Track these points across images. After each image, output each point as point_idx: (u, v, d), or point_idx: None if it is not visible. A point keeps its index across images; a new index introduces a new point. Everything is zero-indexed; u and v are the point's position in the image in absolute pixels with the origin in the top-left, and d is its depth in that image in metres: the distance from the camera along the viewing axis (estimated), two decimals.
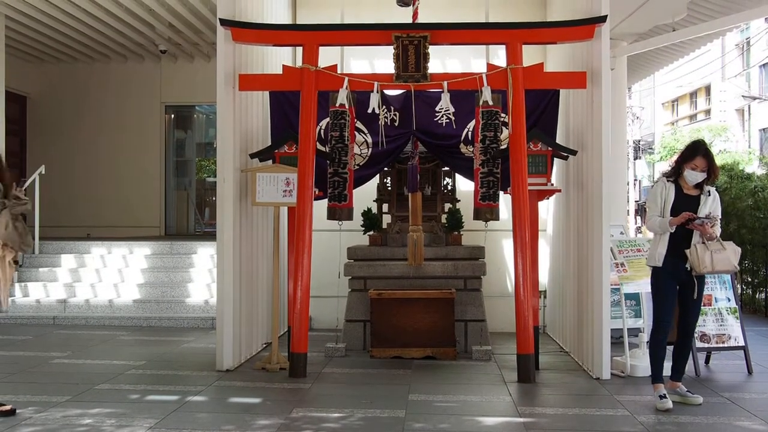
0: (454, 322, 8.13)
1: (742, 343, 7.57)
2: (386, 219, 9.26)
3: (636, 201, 35.03)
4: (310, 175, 7.28)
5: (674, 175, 6.16)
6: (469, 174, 8.09)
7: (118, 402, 6.03)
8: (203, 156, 17.06)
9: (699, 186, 6.10)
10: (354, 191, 7.63)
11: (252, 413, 5.80)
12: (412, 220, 8.29)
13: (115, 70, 14.48)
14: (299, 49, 7.77)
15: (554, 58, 9.40)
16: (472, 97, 7.39)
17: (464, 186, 9.19)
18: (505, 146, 7.46)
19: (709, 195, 6.09)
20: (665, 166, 26.94)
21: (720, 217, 6.11)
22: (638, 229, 28.10)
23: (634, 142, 36.18)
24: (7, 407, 5.69)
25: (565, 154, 7.83)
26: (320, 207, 7.69)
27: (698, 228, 5.93)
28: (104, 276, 11.20)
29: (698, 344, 7.43)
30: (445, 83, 7.28)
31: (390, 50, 7.30)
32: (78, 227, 13.47)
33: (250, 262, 7.97)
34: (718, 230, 6.02)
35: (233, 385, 6.76)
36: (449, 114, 7.48)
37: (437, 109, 8.05)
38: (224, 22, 7.37)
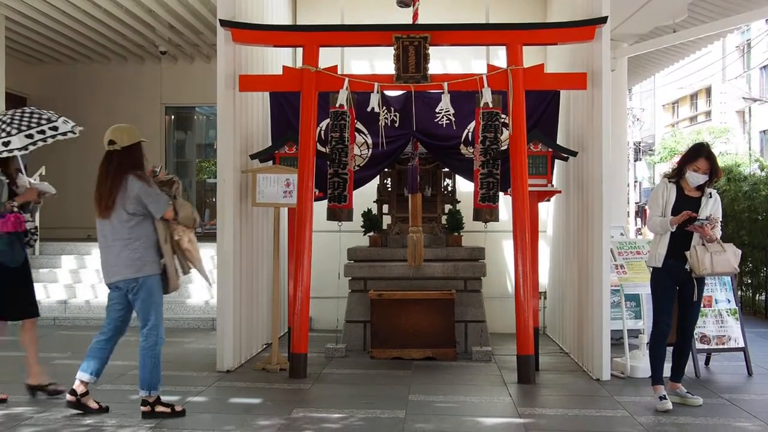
0: (454, 323, 8.14)
1: (742, 344, 7.57)
2: (386, 220, 9.27)
3: (636, 202, 35.07)
4: (311, 176, 7.28)
5: (676, 176, 6.17)
6: (469, 175, 8.09)
7: (119, 402, 6.03)
8: (203, 157, 17.05)
9: (700, 188, 6.10)
10: (354, 192, 7.63)
11: (252, 414, 5.80)
12: (412, 221, 8.29)
13: (115, 71, 14.48)
14: (299, 50, 7.78)
15: (555, 59, 9.41)
16: (473, 98, 7.39)
17: (464, 187, 9.20)
18: (505, 147, 7.47)
19: (710, 197, 6.09)
20: (666, 167, 26.97)
21: (720, 219, 6.11)
22: (638, 231, 28.13)
23: (634, 144, 36.19)
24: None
25: (566, 156, 7.83)
26: (320, 208, 7.69)
27: (698, 230, 5.93)
28: None
29: (698, 345, 7.44)
30: (445, 84, 7.29)
31: (390, 51, 7.31)
32: (78, 228, 13.44)
33: (251, 263, 7.98)
34: (718, 232, 6.03)
35: (233, 386, 6.76)
36: (449, 115, 7.49)
37: (437, 110, 8.06)
38: (224, 23, 7.37)
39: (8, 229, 5.85)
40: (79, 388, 5.66)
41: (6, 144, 5.82)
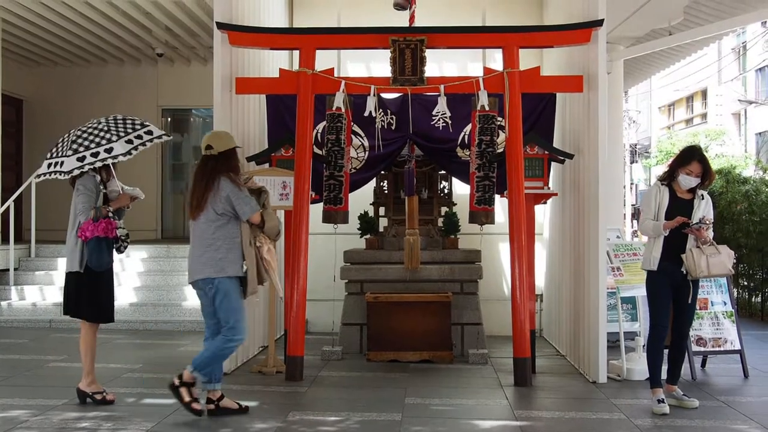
0: (451, 326, 8.13)
1: (738, 346, 7.58)
2: (383, 222, 9.26)
3: (632, 205, 35.09)
4: (307, 179, 7.27)
5: (668, 179, 6.18)
6: (465, 177, 8.09)
7: (114, 405, 6.02)
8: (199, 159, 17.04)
9: (692, 190, 6.12)
10: (351, 194, 7.63)
11: (248, 417, 5.79)
12: (409, 223, 8.29)
13: (112, 73, 14.44)
14: (296, 53, 7.78)
15: (551, 61, 9.41)
16: (469, 100, 7.40)
17: (461, 189, 9.20)
18: (501, 150, 7.47)
19: (702, 199, 6.11)
20: (662, 170, 26.99)
21: (712, 220, 6.13)
22: (634, 233, 28.12)
23: (630, 146, 36.24)
24: None
25: (562, 158, 7.84)
26: (317, 210, 7.69)
27: (694, 232, 5.95)
28: None
29: (694, 348, 7.44)
30: (441, 87, 7.29)
31: (387, 54, 7.31)
32: None
33: None
34: (710, 234, 6.05)
35: (230, 389, 6.72)
36: (446, 118, 7.48)
37: (434, 112, 8.03)
38: (221, 26, 7.37)
39: (98, 234, 5.89)
40: (215, 395, 5.81)
41: (109, 150, 5.92)
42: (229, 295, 5.63)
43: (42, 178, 6.22)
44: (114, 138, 5.98)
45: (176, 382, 5.63)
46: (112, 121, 6.17)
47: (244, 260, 5.69)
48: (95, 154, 5.91)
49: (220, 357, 5.73)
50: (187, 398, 5.62)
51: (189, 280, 5.80)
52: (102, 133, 6.03)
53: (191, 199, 5.71)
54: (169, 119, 15.11)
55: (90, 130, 6.10)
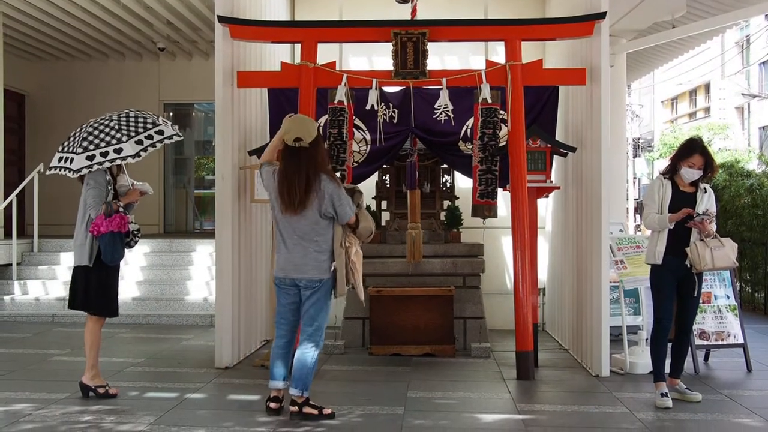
0: (453, 320, 8.13)
1: (741, 340, 7.57)
2: (385, 216, 9.25)
3: (635, 199, 35.01)
4: None
5: (670, 172, 6.16)
6: (467, 171, 8.07)
7: (117, 399, 6.03)
8: (202, 154, 17.04)
9: (694, 183, 6.10)
10: None
11: (251, 410, 5.80)
12: (411, 217, 8.28)
13: (114, 68, 14.44)
14: (298, 46, 7.77)
15: (553, 54, 9.39)
16: (471, 94, 7.38)
17: (463, 183, 9.19)
18: (504, 143, 7.46)
19: (705, 192, 6.10)
20: (664, 164, 26.90)
21: (715, 213, 6.12)
22: (637, 227, 28.08)
23: (633, 140, 36.15)
24: None
25: (565, 151, 7.82)
26: None
27: (697, 225, 5.93)
28: None
29: (697, 342, 7.43)
30: (443, 80, 7.28)
31: (389, 47, 7.29)
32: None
33: (249, 260, 7.96)
34: (713, 227, 6.04)
35: (232, 383, 6.75)
36: (448, 111, 7.47)
37: (436, 106, 8.03)
38: (222, 19, 7.36)
39: (113, 229, 5.91)
40: (283, 395, 5.70)
41: (118, 151, 5.91)
42: (327, 296, 5.60)
43: (52, 171, 6.20)
44: (124, 138, 5.97)
45: (296, 409, 5.51)
46: (124, 119, 6.13)
47: (333, 261, 5.58)
48: (104, 154, 5.90)
49: (315, 363, 5.60)
50: (314, 411, 5.53)
51: (285, 275, 5.56)
52: (113, 132, 6.00)
53: (291, 193, 5.41)
54: (171, 113, 15.11)
55: (101, 128, 6.06)
